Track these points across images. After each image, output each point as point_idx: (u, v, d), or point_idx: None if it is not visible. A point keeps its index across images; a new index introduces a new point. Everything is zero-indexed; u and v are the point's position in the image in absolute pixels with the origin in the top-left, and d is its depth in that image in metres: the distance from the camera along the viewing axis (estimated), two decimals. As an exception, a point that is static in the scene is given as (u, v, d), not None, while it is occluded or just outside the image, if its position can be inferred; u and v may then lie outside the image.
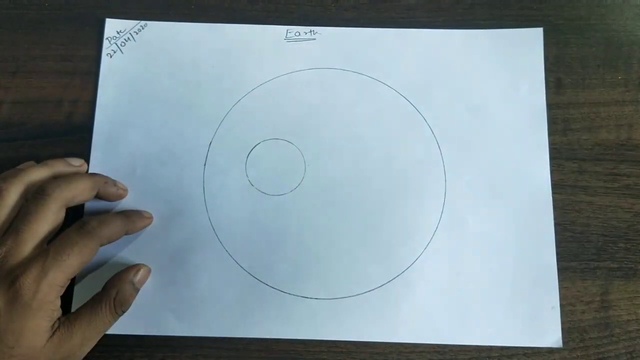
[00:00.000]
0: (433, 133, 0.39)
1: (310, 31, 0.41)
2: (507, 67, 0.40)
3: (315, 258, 0.37)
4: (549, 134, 0.39)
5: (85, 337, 0.31)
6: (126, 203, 0.37)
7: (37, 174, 0.33)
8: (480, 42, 0.41)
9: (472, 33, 0.41)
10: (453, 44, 0.41)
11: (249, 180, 0.38)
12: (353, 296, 0.36)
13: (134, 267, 0.35)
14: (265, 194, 0.38)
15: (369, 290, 0.36)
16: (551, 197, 0.38)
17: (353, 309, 0.36)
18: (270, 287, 0.36)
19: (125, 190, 0.37)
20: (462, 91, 0.40)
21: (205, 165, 0.38)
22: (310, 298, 0.36)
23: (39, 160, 0.37)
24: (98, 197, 0.35)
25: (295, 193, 0.38)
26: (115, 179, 0.37)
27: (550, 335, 0.35)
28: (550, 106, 0.40)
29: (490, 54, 0.41)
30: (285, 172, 0.38)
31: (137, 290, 0.34)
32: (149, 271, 0.36)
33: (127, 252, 0.36)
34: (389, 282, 0.37)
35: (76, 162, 0.36)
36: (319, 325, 0.36)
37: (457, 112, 0.39)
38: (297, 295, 0.36)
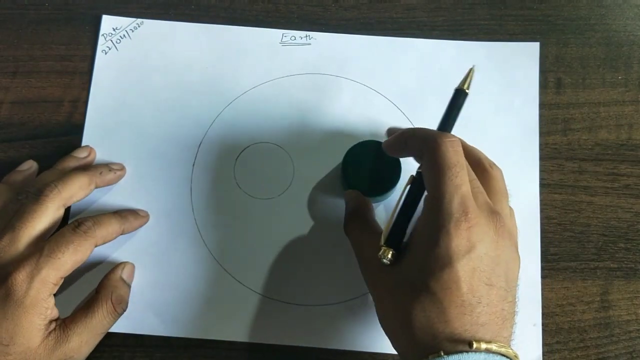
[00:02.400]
0: None
1: (306, 36, 0.41)
2: (501, 81, 0.40)
3: (301, 264, 0.36)
4: (549, 134, 0.39)
5: (82, 341, 0.31)
6: (115, 201, 0.37)
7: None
8: (475, 54, 0.40)
9: (467, 45, 0.41)
10: (447, 55, 0.41)
11: (237, 183, 0.38)
12: (338, 303, 0.36)
13: (119, 266, 0.35)
14: (252, 197, 0.38)
15: (355, 297, 0.36)
16: (539, 213, 0.37)
17: (339, 316, 0.35)
18: (254, 291, 0.36)
19: (122, 168, 0.37)
20: None
21: (194, 165, 0.38)
22: (294, 304, 0.36)
23: (40, 160, 0.37)
24: (98, 187, 0.35)
25: (282, 197, 0.38)
26: None
27: (531, 354, 0.35)
28: (550, 106, 0.40)
29: (484, 66, 0.40)
30: (274, 176, 0.38)
31: (129, 286, 0.35)
32: (134, 266, 0.36)
33: (112, 250, 0.36)
34: None
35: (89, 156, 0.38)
36: (303, 332, 0.35)
37: None
38: (281, 301, 0.36)
